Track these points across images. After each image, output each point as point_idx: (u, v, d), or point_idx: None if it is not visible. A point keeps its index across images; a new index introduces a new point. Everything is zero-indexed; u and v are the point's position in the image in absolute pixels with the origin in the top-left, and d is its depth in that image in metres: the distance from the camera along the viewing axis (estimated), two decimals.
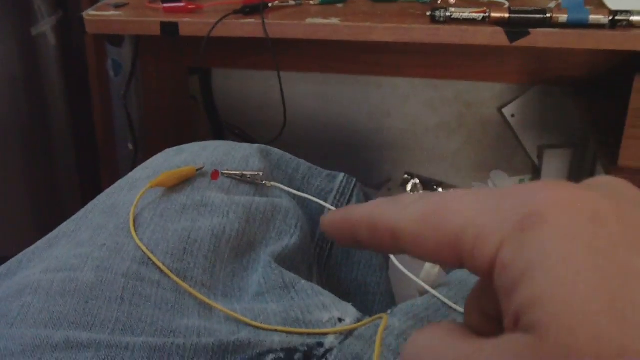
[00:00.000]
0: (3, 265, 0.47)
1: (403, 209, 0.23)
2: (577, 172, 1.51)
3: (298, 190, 0.59)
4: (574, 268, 0.18)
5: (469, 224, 0.21)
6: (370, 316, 0.45)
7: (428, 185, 1.59)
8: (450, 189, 0.25)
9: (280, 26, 1.02)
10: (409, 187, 1.57)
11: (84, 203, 0.53)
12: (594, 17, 0.93)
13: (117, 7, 1.12)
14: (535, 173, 1.56)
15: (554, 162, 1.53)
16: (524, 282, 0.19)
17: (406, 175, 1.61)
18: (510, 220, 0.20)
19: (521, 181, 1.53)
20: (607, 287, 0.17)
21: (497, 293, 0.20)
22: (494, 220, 0.20)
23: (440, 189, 1.55)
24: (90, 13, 1.10)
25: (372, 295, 0.61)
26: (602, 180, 0.22)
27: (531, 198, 0.20)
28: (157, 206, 0.50)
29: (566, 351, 0.17)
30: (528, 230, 0.19)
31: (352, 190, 0.63)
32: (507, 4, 0.99)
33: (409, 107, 1.58)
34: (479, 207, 0.21)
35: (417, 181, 1.59)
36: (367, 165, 1.65)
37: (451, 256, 0.22)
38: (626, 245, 0.18)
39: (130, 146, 1.37)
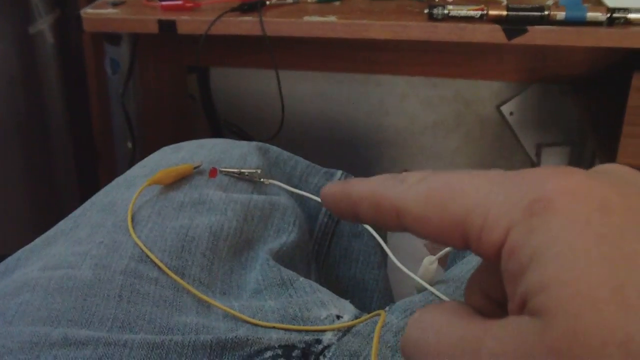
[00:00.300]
0: (1, 263, 0.47)
1: (408, 188, 0.23)
2: None
3: (296, 188, 0.59)
4: (582, 255, 0.18)
5: (476, 206, 0.21)
6: (369, 313, 0.45)
7: None
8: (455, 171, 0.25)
9: (277, 24, 1.02)
10: None
11: (82, 201, 0.53)
12: (591, 15, 0.93)
13: (115, 5, 1.12)
14: None
15: (553, 160, 1.53)
16: (532, 268, 0.19)
17: (405, 172, 1.62)
18: (519, 205, 0.20)
19: None
20: (614, 275, 0.17)
21: (502, 277, 0.20)
22: (503, 204, 0.20)
23: None
24: (87, 11, 1.10)
25: (370, 293, 0.61)
26: (610, 168, 0.22)
27: (540, 184, 0.20)
28: (154, 204, 0.50)
29: (572, 336, 0.17)
30: (537, 216, 0.19)
31: None
32: (505, 2, 0.99)
33: (407, 105, 1.58)
34: (487, 190, 0.21)
35: None
36: (365, 163, 1.65)
37: (456, 238, 0.21)
38: (633, 233, 0.18)
39: (129, 144, 1.37)
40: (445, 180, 0.22)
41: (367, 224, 0.25)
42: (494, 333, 0.19)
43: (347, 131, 1.62)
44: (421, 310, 0.22)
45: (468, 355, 0.19)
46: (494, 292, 0.24)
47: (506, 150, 1.57)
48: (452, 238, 0.22)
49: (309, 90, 1.60)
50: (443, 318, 0.21)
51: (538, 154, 1.55)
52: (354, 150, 1.64)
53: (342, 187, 0.26)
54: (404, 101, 1.58)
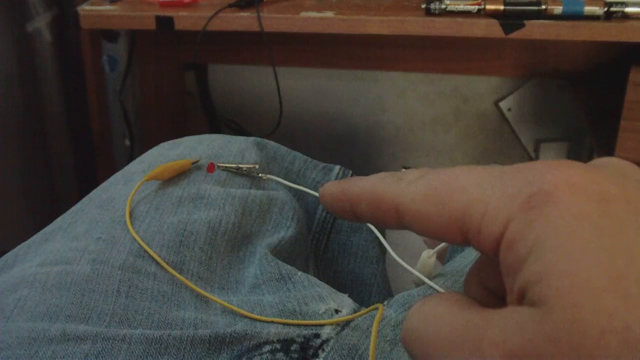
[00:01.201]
0: None
1: (407, 186, 0.23)
2: None
3: (294, 183, 0.59)
4: (582, 246, 0.18)
5: (474, 202, 0.21)
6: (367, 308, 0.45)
7: None
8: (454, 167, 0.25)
9: (274, 20, 1.02)
10: None
11: (80, 198, 0.53)
12: (588, 9, 0.93)
13: (112, 1, 1.12)
14: None
15: (551, 155, 1.53)
16: (531, 259, 0.19)
17: (403, 170, 1.62)
18: (517, 198, 0.20)
19: None
20: (614, 265, 0.18)
21: (501, 270, 0.20)
22: (501, 198, 0.20)
23: None
24: (85, 8, 1.10)
25: (368, 287, 0.61)
26: (608, 162, 0.23)
27: (539, 177, 0.20)
28: (152, 199, 0.50)
29: (571, 325, 0.17)
30: (536, 209, 0.19)
31: None
32: None
33: (406, 102, 1.58)
34: (485, 185, 0.21)
35: None
36: (364, 160, 1.65)
37: (456, 234, 0.22)
38: (633, 225, 0.18)
39: (127, 141, 1.37)
40: (444, 177, 0.22)
41: (366, 222, 0.25)
42: (494, 322, 0.19)
43: (346, 127, 1.62)
44: (422, 300, 0.22)
45: (469, 344, 0.19)
46: (492, 284, 0.24)
47: (504, 146, 1.57)
48: (451, 234, 0.22)
49: (306, 87, 1.60)
50: (444, 308, 0.21)
51: (536, 150, 1.55)
52: (353, 146, 1.64)
53: (340, 186, 0.26)
54: (402, 97, 1.58)
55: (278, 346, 0.42)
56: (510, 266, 0.20)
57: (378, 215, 0.24)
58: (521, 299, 0.19)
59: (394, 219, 0.23)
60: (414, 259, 0.50)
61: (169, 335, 0.40)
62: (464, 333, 0.20)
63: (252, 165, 0.56)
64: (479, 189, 0.21)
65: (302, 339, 0.43)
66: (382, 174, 0.25)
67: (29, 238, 0.49)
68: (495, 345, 0.18)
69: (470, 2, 0.96)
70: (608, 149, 1.08)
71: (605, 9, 0.92)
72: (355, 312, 0.46)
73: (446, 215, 0.21)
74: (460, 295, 0.22)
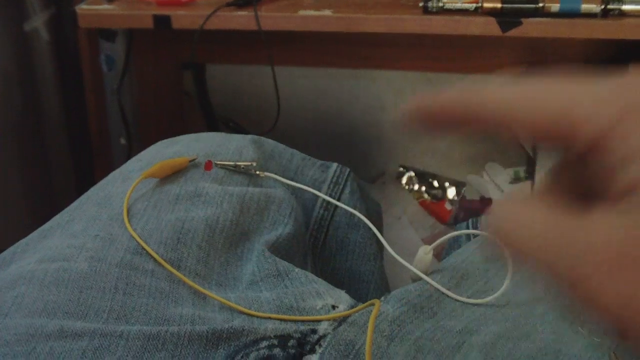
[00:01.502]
0: None
1: (503, 88, 0.23)
2: None
3: (292, 181, 0.59)
4: None
5: (573, 106, 0.21)
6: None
7: (423, 177, 1.59)
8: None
9: (272, 18, 1.02)
10: (404, 180, 1.58)
11: (78, 196, 0.53)
12: (586, 6, 0.93)
13: (110, 0, 1.12)
14: (530, 164, 1.56)
15: (550, 153, 1.53)
16: (638, 159, 0.19)
17: (401, 169, 1.61)
18: (617, 105, 0.20)
19: (516, 173, 1.54)
20: None
21: (597, 171, 0.21)
22: (608, 99, 0.21)
23: (435, 182, 1.55)
24: (82, 7, 1.10)
25: (366, 284, 0.61)
26: None
27: (638, 91, 0.21)
28: (150, 197, 0.50)
29: None
30: (636, 120, 0.20)
31: (346, 180, 0.64)
32: None
33: (404, 101, 1.58)
34: (582, 91, 0.22)
35: (412, 174, 1.59)
36: (362, 158, 1.65)
37: (550, 135, 0.22)
38: None
39: (123, 141, 1.37)
40: (539, 83, 0.23)
41: (453, 130, 0.25)
42: (592, 223, 0.19)
43: (343, 127, 1.62)
44: (503, 200, 0.22)
45: (566, 246, 0.19)
46: (578, 187, 0.23)
47: (502, 145, 1.57)
48: (544, 136, 0.22)
49: (305, 86, 1.60)
50: (533, 207, 0.21)
51: (535, 147, 1.55)
52: (350, 145, 1.64)
53: (431, 96, 0.25)
54: (400, 96, 1.58)
55: (275, 342, 0.42)
56: (610, 166, 0.20)
57: (470, 119, 0.24)
58: (622, 198, 0.19)
59: (487, 121, 0.23)
60: (411, 256, 0.50)
61: (166, 332, 0.40)
62: (558, 234, 0.20)
63: (249, 163, 0.56)
64: (576, 94, 0.22)
65: (299, 335, 0.43)
66: (466, 86, 0.25)
67: (27, 236, 0.49)
68: (598, 250, 0.18)
69: (468, 0, 0.97)
70: None
71: (603, 6, 0.92)
72: (352, 308, 0.46)
73: (545, 113, 0.22)
74: (548, 199, 0.22)
